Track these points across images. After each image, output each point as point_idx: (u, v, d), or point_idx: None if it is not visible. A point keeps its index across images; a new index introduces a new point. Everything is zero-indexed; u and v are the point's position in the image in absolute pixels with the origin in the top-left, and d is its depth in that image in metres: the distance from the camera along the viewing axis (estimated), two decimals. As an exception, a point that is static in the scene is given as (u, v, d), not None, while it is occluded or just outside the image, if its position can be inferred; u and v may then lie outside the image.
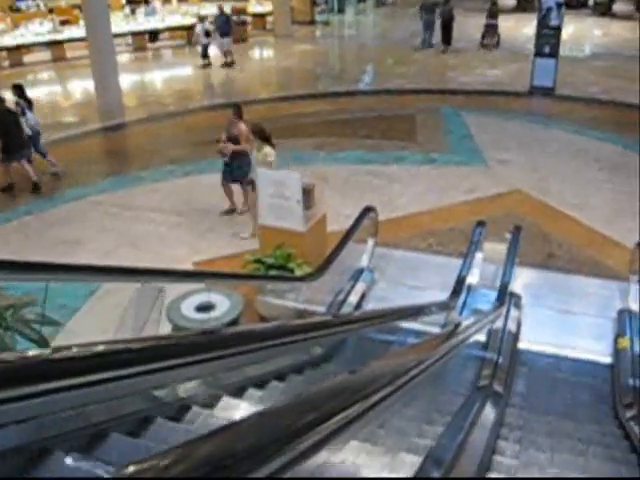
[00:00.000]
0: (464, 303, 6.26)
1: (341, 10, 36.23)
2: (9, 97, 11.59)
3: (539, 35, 17.18)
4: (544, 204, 10.23)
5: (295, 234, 7.31)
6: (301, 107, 16.71)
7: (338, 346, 5.72)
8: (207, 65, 22.21)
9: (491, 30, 24.39)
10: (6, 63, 23.14)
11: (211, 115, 15.66)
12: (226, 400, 3.20)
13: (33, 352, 1.46)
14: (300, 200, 7.19)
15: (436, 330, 5.09)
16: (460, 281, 6.37)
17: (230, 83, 20.93)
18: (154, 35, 27.07)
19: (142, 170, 12.32)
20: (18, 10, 28.38)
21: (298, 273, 6.70)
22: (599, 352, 5.97)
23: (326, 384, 1.49)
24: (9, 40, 23.52)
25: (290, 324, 3.13)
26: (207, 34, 21.94)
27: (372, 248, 7.63)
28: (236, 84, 20.56)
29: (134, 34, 26.03)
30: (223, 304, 6.10)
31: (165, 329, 5.88)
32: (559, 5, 16.84)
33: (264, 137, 8.46)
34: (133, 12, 27.49)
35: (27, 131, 11.12)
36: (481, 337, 5.37)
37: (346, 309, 6.57)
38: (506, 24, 26.48)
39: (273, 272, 6.84)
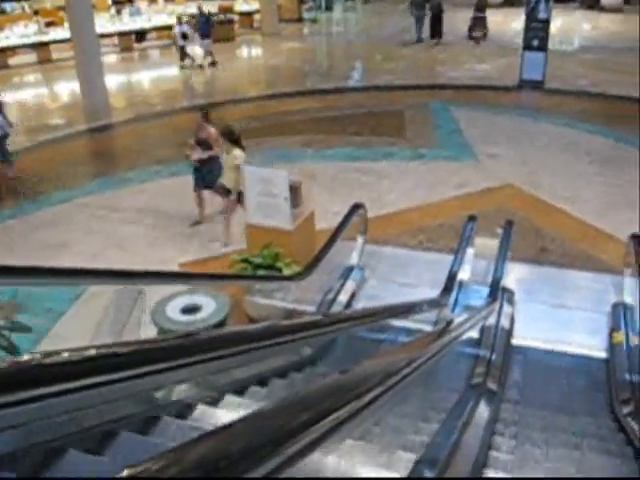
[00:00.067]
0: (456, 300, 6.14)
1: (329, 7, 36.18)
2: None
3: (527, 28, 17.13)
4: (535, 198, 10.13)
5: (283, 233, 7.19)
6: (289, 105, 16.58)
7: (328, 346, 5.60)
8: (188, 66, 21.86)
9: (479, 22, 24.49)
10: (-9, 66, 22.96)
11: (197, 115, 15.45)
12: (227, 398, 3.07)
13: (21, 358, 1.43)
14: (287, 198, 7.07)
15: (428, 328, 4.99)
16: (451, 277, 6.25)
17: (217, 82, 20.81)
18: (141, 35, 26.92)
19: (129, 171, 12.18)
20: (3, 12, 28.27)
21: (286, 272, 6.58)
22: (594, 347, 5.87)
23: (317, 384, 1.45)
24: (-6, 42, 23.32)
25: (278, 325, 3.01)
26: (184, 36, 21.49)
27: (362, 245, 7.50)
28: (223, 83, 20.42)
29: (120, 34, 25.88)
30: (209, 306, 5.97)
31: (150, 332, 5.75)
32: (547, -2, 16.80)
33: (233, 139, 8.30)
34: (119, 12, 27.38)
35: None
36: (474, 334, 5.27)
37: (336, 308, 6.45)
38: (494, 18, 26.47)
39: (261, 272, 6.71)
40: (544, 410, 4.85)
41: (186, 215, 9.69)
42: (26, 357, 1.40)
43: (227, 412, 2.89)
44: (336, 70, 22.20)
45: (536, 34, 16.93)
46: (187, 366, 1.82)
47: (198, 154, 8.99)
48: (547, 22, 16.92)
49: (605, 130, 13.46)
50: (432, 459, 2.69)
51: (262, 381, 3.94)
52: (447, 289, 6.11)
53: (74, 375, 1.42)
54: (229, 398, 3.21)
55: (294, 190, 7.31)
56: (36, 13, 27.90)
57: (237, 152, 8.22)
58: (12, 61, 23.57)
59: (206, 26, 21.67)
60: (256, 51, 27.39)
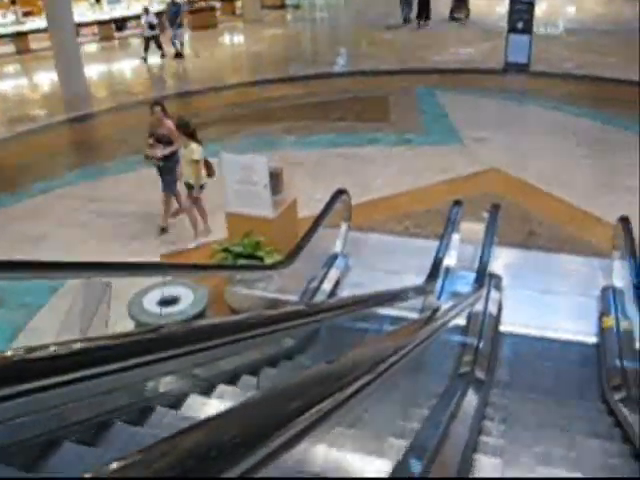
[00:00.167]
0: (442, 286, 6.01)
1: (312, -7, 35.79)
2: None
3: (512, 11, 16.99)
4: (522, 182, 10.00)
5: (264, 221, 7.02)
6: (271, 91, 16.37)
7: (311, 336, 5.45)
8: (147, 59, 21.03)
9: (461, 4, 24.49)
10: (-32, 57, 22.55)
11: (177, 103, 15.31)
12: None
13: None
14: (267, 185, 6.89)
15: (414, 316, 4.84)
16: (437, 264, 6.09)
17: (198, 70, 20.44)
18: (121, 24, 26.50)
19: (108, 161, 11.98)
20: (-21, 2, 27.66)
21: (268, 261, 6.41)
22: (583, 332, 5.75)
23: (303, 375, 1.43)
24: (-30, 33, 22.91)
25: (259, 315, 2.85)
26: (151, 27, 20.77)
27: (346, 233, 7.33)
28: (204, 71, 20.06)
29: (100, 23, 25.49)
30: (187, 297, 5.80)
31: (127, 326, 5.57)
32: (531, -20, 16.64)
33: (189, 133, 8.01)
34: (98, 1, 26.93)
35: None
36: (461, 321, 5.13)
37: (320, 297, 6.29)
38: (478, 1, 26.29)
39: (242, 261, 6.54)
40: (533, 395, 4.75)
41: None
42: (14, 351, 1.38)
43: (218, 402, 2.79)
44: (320, 56, 21.98)
45: (521, 16, 16.78)
46: (162, 360, 1.75)
47: (161, 151, 8.47)
48: (532, 4, 16.79)
49: (592, 112, 13.35)
50: (421, 447, 2.66)
51: (234, 378, 3.82)
52: (432, 275, 5.96)
53: (63, 368, 1.41)
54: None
55: (275, 177, 7.13)
56: (13, 2, 27.35)
57: (194, 146, 7.95)
58: (-11, 52, 23.19)
59: (176, 16, 21.11)
60: (238, 38, 27.08)
